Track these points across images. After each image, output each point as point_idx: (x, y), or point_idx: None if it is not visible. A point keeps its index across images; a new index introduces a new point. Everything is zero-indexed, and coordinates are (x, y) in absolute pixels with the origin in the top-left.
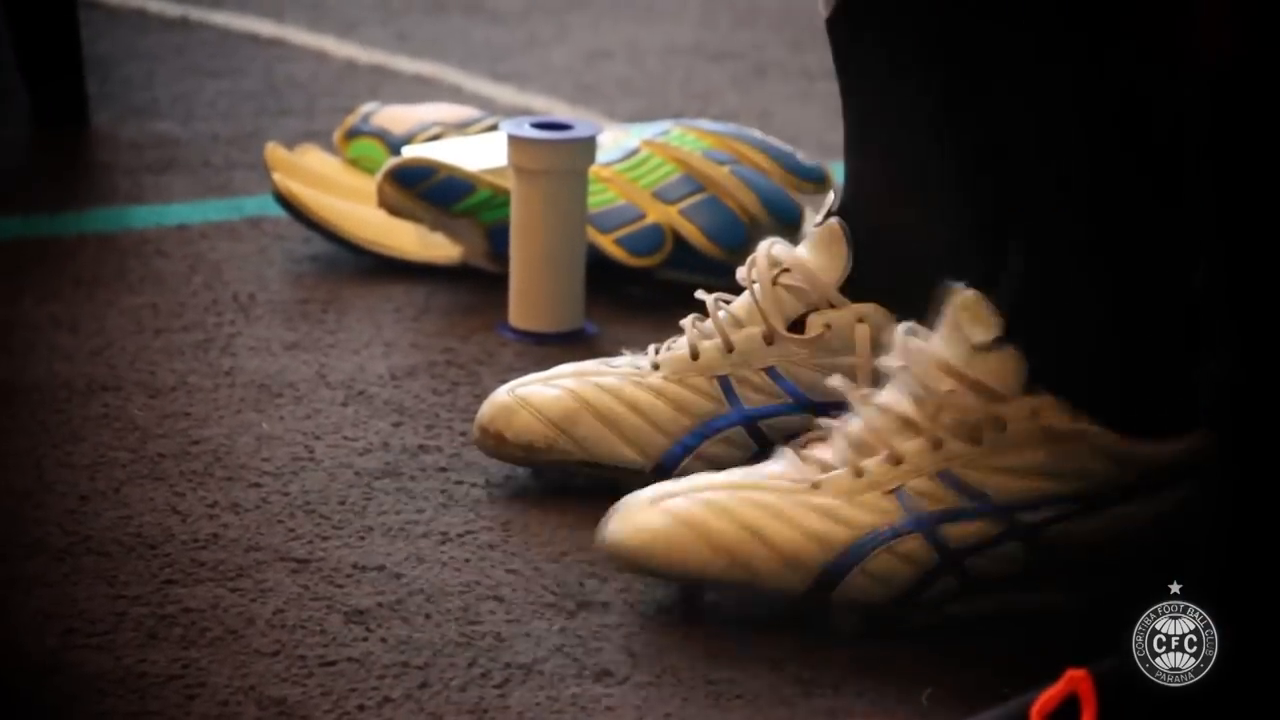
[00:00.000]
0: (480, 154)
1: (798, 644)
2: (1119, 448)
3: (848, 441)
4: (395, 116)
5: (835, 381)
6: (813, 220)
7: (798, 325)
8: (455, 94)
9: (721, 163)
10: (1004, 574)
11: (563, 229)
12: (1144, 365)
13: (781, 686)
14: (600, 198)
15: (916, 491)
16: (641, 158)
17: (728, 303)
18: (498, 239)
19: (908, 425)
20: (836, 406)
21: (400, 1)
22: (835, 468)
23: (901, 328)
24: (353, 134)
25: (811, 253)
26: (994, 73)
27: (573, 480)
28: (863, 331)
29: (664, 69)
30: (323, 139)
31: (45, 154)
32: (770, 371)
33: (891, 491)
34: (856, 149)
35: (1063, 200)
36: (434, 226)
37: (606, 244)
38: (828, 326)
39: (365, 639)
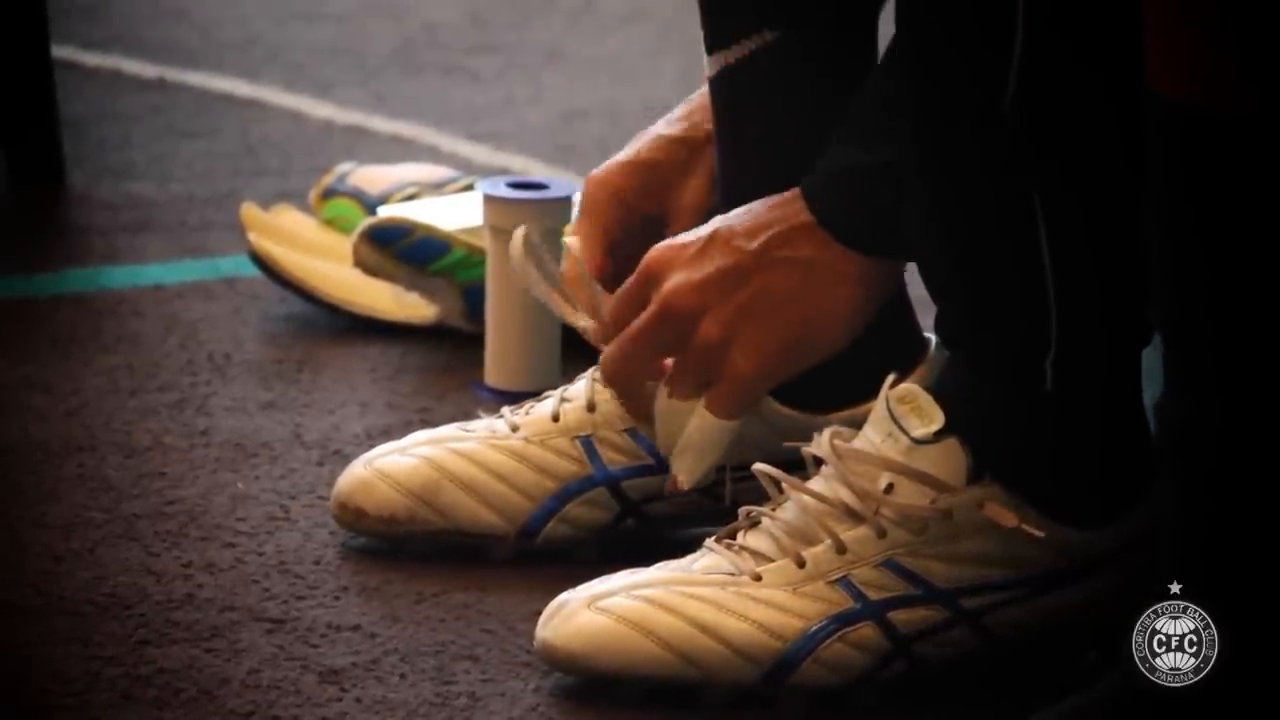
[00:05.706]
0: (456, 213)
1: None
2: (1056, 536)
3: (784, 529)
4: (371, 176)
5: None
6: None
7: None
8: (432, 154)
9: None
10: (952, 658)
11: None
12: (1079, 456)
13: None
14: None
15: (861, 581)
16: None
17: None
18: (473, 298)
19: (850, 514)
20: None
21: (377, 62)
22: (770, 557)
23: (828, 432)
24: (328, 194)
25: None
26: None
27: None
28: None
29: (641, 129)
30: (298, 199)
31: (20, 214)
32: (632, 432)
33: (835, 581)
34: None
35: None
36: (409, 286)
37: None
38: None
39: (340, 699)
